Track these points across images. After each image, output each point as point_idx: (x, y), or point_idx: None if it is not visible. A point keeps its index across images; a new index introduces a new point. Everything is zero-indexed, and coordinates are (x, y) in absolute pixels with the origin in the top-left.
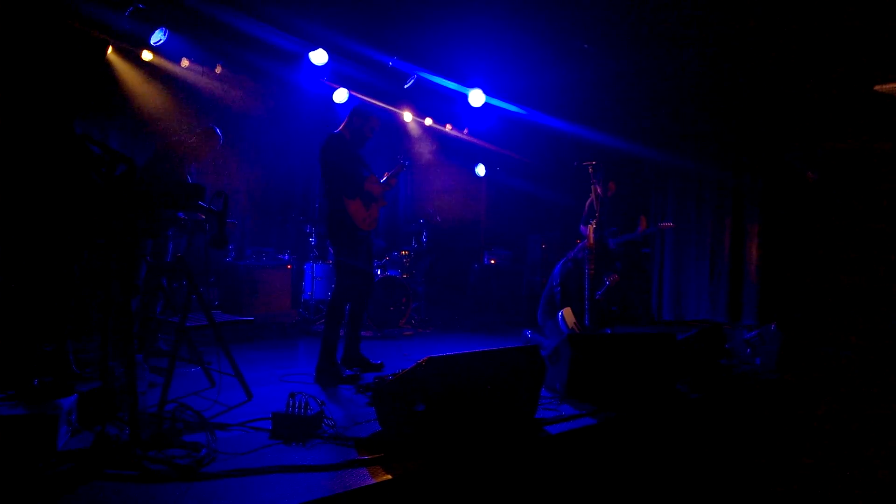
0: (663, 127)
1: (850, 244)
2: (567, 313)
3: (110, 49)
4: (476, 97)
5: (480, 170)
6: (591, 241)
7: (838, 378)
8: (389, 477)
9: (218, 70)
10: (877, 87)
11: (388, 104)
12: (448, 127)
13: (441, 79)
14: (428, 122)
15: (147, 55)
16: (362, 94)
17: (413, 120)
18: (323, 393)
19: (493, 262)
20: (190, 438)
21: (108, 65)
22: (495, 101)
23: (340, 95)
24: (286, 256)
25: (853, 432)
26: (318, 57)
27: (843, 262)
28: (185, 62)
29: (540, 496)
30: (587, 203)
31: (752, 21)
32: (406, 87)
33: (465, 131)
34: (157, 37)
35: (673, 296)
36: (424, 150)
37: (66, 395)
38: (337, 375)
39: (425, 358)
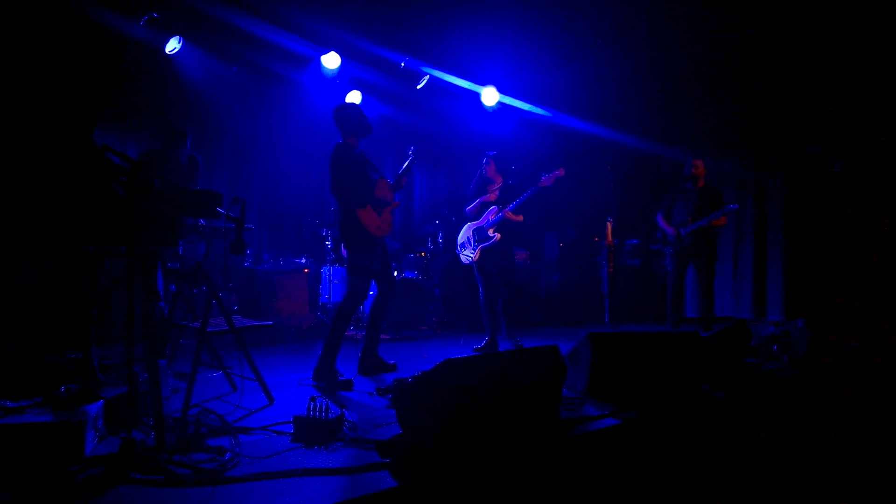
0: (681, 123)
1: (877, 237)
2: None
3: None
4: (489, 95)
5: None
6: (610, 238)
7: (869, 375)
8: (412, 479)
9: (231, 77)
10: None
11: (400, 105)
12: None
13: (454, 77)
14: None
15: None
16: (375, 97)
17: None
18: (343, 396)
19: None
20: (214, 442)
21: (123, 74)
22: (508, 100)
23: (353, 98)
24: (303, 260)
25: (885, 431)
26: (331, 60)
27: (870, 256)
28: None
29: (565, 498)
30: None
31: (772, 13)
32: (419, 87)
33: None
34: (172, 45)
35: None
36: None
37: (92, 401)
38: (334, 380)
39: (444, 360)
